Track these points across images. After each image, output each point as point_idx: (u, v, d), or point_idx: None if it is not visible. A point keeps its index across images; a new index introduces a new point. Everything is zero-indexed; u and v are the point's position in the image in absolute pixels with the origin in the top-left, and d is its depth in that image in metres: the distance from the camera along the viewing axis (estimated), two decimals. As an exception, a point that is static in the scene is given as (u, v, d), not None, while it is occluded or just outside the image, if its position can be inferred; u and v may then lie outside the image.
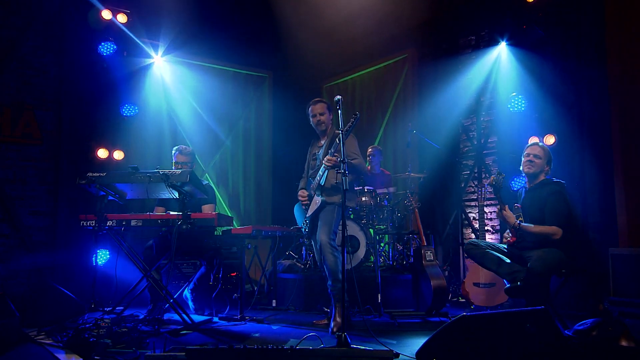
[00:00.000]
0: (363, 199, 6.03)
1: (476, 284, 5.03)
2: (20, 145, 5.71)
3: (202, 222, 4.37)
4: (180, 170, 4.29)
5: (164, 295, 4.29)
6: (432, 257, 4.83)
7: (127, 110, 6.12)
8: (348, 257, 5.63)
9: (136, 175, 4.28)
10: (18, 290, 5.26)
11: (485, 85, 6.71)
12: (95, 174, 4.34)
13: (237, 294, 4.66)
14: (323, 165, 4.20)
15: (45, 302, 4.48)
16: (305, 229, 4.46)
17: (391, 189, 6.73)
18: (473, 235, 6.72)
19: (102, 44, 5.83)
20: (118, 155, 6.07)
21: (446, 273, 5.84)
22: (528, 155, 4.08)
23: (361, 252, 5.62)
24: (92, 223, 4.41)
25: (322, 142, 4.46)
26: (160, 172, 4.22)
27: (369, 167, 6.79)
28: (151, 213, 4.55)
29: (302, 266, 5.78)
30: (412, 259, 5.29)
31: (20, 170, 5.71)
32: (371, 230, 6.46)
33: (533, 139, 5.63)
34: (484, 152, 6.81)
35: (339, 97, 3.92)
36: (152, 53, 6.67)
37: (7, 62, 5.69)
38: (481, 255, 4.08)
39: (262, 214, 8.01)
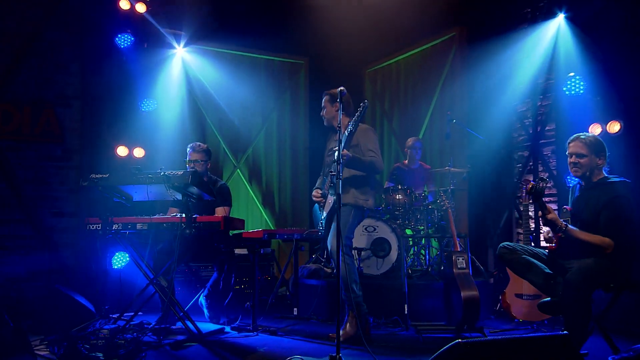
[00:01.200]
0: (397, 197, 5.85)
1: (519, 295, 4.71)
2: (41, 144, 5.91)
3: (207, 226, 4.34)
4: (182, 171, 4.25)
5: (167, 303, 4.28)
6: (464, 265, 4.55)
7: (145, 105, 6.20)
8: (377, 262, 5.47)
9: (138, 176, 4.30)
10: (36, 294, 5.46)
11: (541, 65, 6.30)
12: (98, 176, 4.40)
13: (251, 302, 4.58)
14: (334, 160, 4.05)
15: (55, 308, 4.61)
16: (321, 231, 4.33)
17: (431, 187, 6.48)
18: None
19: (120, 35, 5.89)
20: (138, 152, 6.16)
21: (491, 280, 5.51)
22: (570, 155, 3.73)
23: (393, 257, 5.48)
24: (98, 226, 4.47)
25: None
26: (161, 174, 4.20)
27: (406, 162, 6.55)
28: (163, 215, 4.55)
29: (330, 271, 5.66)
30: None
31: (41, 170, 5.91)
32: (408, 231, 6.26)
33: (593, 127, 5.18)
34: (541, 141, 6.39)
35: (341, 88, 3.81)
36: (174, 43, 6.71)
37: (27, 58, 5.87)
38: (516, 261, 3.81)
39: (298, 213, 7.94)
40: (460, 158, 6.71)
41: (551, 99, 6.30)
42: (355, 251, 5.47)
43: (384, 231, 5.55)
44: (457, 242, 4.84)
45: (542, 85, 6.37)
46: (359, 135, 4.22)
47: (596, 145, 3.70)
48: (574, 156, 3.72)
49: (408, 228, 6.00)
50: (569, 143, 3.78)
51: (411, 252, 5.92)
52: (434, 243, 5.94)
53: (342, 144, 4.02)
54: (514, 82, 6.47)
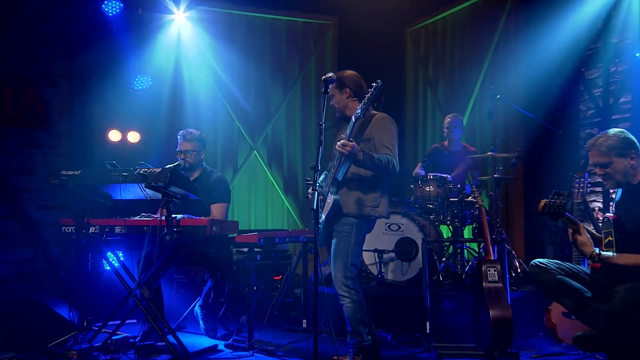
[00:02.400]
0: (428, 188, 5.66)
1: (566, 315, 4.46)
2: (24, 129, 5.99)
3: (191, 231, 4.30)
4: (160, 168, 4.20)
5: (146, 315, 4.29)
6: (495, 277, 4.32)
7: (139, 83, 6.16)
8: (402, 266, 5.30)
9: (111, 174, 4.28)
10: (18, 298, 5.61)
11: (616, 22, 5.84)
12: (69, 173, 4.41)
13: (247, 315, 4.53)
14: (338, 153, 3.88)
15: (30, 320, 4.72)
16: (319, 237, 4.16)
17: (476, 174, 6.21)
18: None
19: (106, 2, 5.84)
20: (133, 137, 6.20)
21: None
22: (594, 166, 3.46)
23: (418, 262, 5.31)
24: (72, 229, 4.50)
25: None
26: (135, 172, 4.16)
27: (446, 143, 6.30)
28: (146, 216, 4.54)
29: None
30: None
31: (26, 158, 6.02)
32: (444, 228, 6.05)
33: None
34: (614, 117, 5.99)
35: (330, 74, 3.67)
36: (173, 7, 6.62)
37: (5, 29, 5.90)
38: (549, 282, 3.59)
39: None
40: (510, 140, 6.37)
41: (627, 64, 5.85)
42: (375, 254, 5.32)
43: (411, 230, 5.38)
44: (490, 247, 4.57)
45: (616, 46, 5.91)
46: (374, 127, 3.99)
47: (616, 146, 3.43)
48: (597, 168, 3.47)
49: (444, 224, 5.77)
50: (588, 152, 3.51)
51: (447, 252, 5.69)
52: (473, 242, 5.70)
53: (352, 129, 3.86)
54: (582, 42, 6.05)
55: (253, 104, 7.58)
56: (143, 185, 4.20)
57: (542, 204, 3.32)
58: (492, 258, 4.55)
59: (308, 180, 3.63)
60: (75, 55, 6.15)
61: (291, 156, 7.83)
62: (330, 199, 3.95)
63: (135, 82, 6.20)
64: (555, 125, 5.98)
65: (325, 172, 4.18)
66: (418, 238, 5.36)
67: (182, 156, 5.02)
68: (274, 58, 7.61)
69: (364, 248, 5.34)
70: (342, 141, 3.77)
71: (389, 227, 5.47)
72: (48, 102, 6.10)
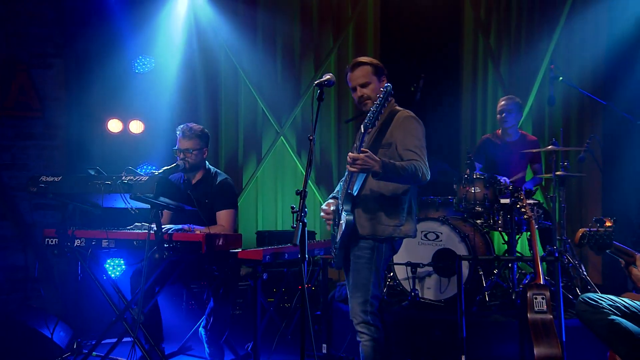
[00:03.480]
0: (473, 190, 5.52)
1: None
2: (16, 118, 6.11)
3: (186, 247, 4.30)
4: (147, 177, 4.18)
5: (134, 342, 4.33)
6: (543, 307, 4.12)
7: (140, 65, 6.18)
8: (440, 282, 5.16)
9: (93, 182, 4.31)
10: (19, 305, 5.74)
11: None
12: (48, 179, 4.46)
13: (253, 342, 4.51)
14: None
15: (15, 343, 4.84)
16: (332, 260, 4.09)
17: (538, 169, 5.98)
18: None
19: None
20: (136, 127, 6.26)
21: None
22: None
23: (463, 276, 5.10)
24: (56, 241, 4.57)
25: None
26: (118, 181, 4.16)
27: (500, 132, 6.07)
28: (141, 226, 4.58)
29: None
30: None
31: (19, 151, 6.14)
32: (496, 235, 5.87)
33: None
34: None
35: (328, 76, 3.63)
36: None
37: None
38: (600, 324, 3.44)
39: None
40: (578, 130, 6.09)
41: None
42: (409, 267, 5.23)
43: (451, 240, 5.26)
44: (540, 270, 4.36)
45: None
46: (395, 129, 3.84)
47: None
48: None
49: (494, 230, 5.60)
50: None
51: (497, 265, 5.53)
52: (527, 251, 5.52)
53: (362, 141, 3.69)
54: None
55: (279, 81, 7.53)
56: (127, 197, 4.16)
57: (579, 233, 3.15)
58: (541, 282, 4.33)
59: (293, 209, 3.51)
60: (69, 32, 6.21)
61: (324, 142, 7.73)
62: (343, 219, 3.81)
63: (136, 64, 6.17)
64: (634, 113, 5.66)
65: (340, 182, 4.05)
66: (459, 250, 5.23)
67: (181, 155, 4.99)
68: (304, 26, 7.53)
69: (395, 261, 5.38)
70: (352, 155, 3.59)
71: (425, 235, 5.38)
72: (41, 88, 6.19)
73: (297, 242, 3.19)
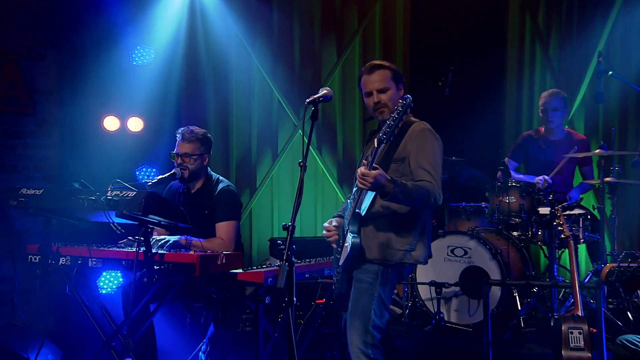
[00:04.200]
0: (508, 199, 5.46)
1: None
2: (4, 115, 6.16)
3: (178, 269, 4.33)
4: (134, 192, 4.20)
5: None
6: (580, 343, 4.04)
7: (138, 57, 6.21)
8: (469, 304, 5.12)
9: (77, 197, 4.34)
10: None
11: None
12: (29, 192, 4.53)
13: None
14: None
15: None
16: (337, 285, 4.06)
17: (588, 173, 5.86)
18: None
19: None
20: (134, 124, 6.28)
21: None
22: None
23: (494, 297, 5.21)
24: (39, 258, 4.63)
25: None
26: (103, 197, 4.18)
27: (542, 129, 6.05)
28: (132, 242, 4.61)
29: (400, 312, 5.44)
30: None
31: (7, 151, 6.21)
32: (536, 249, 5.77)
33: None
34: None
35: (324, 91, 3.66)
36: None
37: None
38: None
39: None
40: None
41: None
42: (432, 287, 5.22)
43: (480, 257, 5.26)
44: (578, 298, 4.25)
45: None
46: (410, 142, 3.82)
47: None
48: None
49: (533, 244, 5.53)
50: None
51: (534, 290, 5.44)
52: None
53: (375, 155, 3.64)
54: None
55: (297, 68, 7.50)
56: (113, 215, 4.18)
57: (606, 269, 3.08)
58: (580, 313, 4.23)
59: (280, 245, 3.48)
60: (62, 20, 6.23)
61: (348, 136, 7.70)
62: (349, 241, 3.78)
63: (133, 56, 6.20)
64: None
65: (348, 200, 4.01)
66: (490, 269, 5.20)
67: (179, 160, 4.99)
68: (325, 7, 7.49)
69: (418, 278, 5.34)
70: (361, 170, 3.54)
71: (452, 251, 5.38)
72: (32, 82, 6.23)
73: (282, 286, 3.14)
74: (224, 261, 4.48)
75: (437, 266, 5.29)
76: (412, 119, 3.94)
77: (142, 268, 4.27)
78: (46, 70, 6.27)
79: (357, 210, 3.78)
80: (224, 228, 4.96)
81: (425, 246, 3.88)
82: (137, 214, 4.18)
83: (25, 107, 6.20)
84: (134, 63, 6.28)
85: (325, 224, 4.06)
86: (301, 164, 3.43)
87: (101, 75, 6.22)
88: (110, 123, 6.22)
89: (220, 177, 5.19)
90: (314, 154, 7.61)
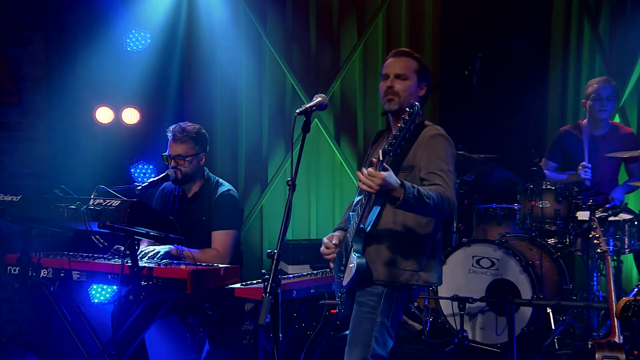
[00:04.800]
0: (542, 204, 5.39)
1: None
2: (-15, 104, 6.21)
3: (168, 285, 4.31)
4: (117, 202, 4.20)
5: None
6: (614, 376, 3.96)
7: (133, 42, 6.23)
8: (497, 322, 5.05)
9: (56, 205, 4.35)
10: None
11: None
12: (6, 198, 4.57)
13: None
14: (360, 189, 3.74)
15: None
16: (341, 308, 4.03)
17: (635, 170, 5.86)
18: None
19: None
20: (130, 116, 6.29)
21: None
22: None
23: (524, 315, 5.18)
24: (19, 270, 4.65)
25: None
26: (84, 207, 4.18)
27: (583, 122, 5.99)
28: (116, 251, 4.64)
29: (420, 329, 5.46)
30: None
31: (-11, 144, 6.26)
32: (576, 260, 5.69)
33: None
34: None
35: (318, 98, 3.61)
36: None
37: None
38: None
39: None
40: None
41: None
42: (455, 303, 5.21)
43: (509, 269, 5.23)
44: (615, 324, 4.18)
45: None
46: (419, 148, 3.79)
47: None
48: None
49: (571, 251, 5.54)
50: None
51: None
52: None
53: (382, 164, 3.52)
54: None
55: (313, 50, 7.48)
56: (95, 226, 4.18)
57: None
58: (617, 340, 4.15)
59: (264, 274, 3.44)
60: (51, 1, 6.25)
61: (370, 125, 7.67)
62: (354, 261, 3.73)
63: (128, 41, 6.23)
64: None
65: (351, 213, 3.95)
66: (520, 282, 5.17)
67: (172, 163, 4.98)
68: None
69: (440, 292, 5.30)
70: (368, 170, 3.46)
71: (477, 262, 5.36)
72: (16, 67, 6.26)
73: (264, 323, 3.11)
74: (218, 276, 4.45)
75: (461, 278, 5.28)
76: (426, 122, 3.90)
77: (129, 284, 4.26)
78: (33, 56, 6.29)
79: (361, 226, 3.74)
80: (220, 238, 4.96)
81: (436, 265, 3.86)
82: (121, 225, 4.17)
83: (9, 95, 6.23)
84: (129, 49, 6.29)
85: (325, 240, 4.01)
86: (289, 183, 3.34)
87: (93, 61, 6.22)
88: (103, 115, 6.23)
89: (220, 180, 5.18)
90: (332, 145, 7.60)
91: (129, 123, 6.31)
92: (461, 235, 5.95)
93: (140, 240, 4.49)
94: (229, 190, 5.08)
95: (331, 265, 4.02)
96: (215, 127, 7.01)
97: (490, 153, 5.82)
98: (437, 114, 7.48)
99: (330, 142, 7.62)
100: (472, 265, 5.32)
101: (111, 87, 6.26)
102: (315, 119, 7.51)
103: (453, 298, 5.18)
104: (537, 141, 6.72)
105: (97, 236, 4.29)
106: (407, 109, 3.41)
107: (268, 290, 3.18)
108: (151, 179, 4.96)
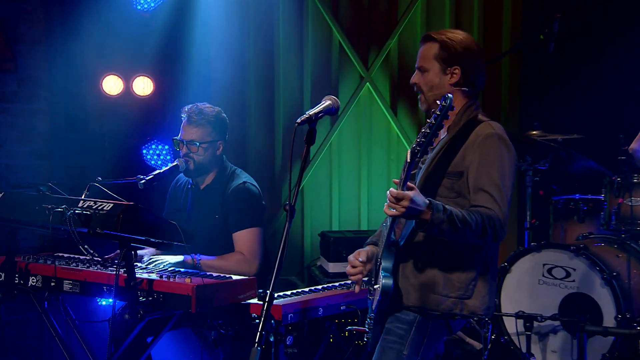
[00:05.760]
0: (627, 201, 5.35)
1: None
2: (-20, 73, 6.27)
3: (170, 301, 4.28)
4: (110, 205, 4.20)
5: None
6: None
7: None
8: (572, 345, 5.07)
9: (41, 206, 4.37)
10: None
11: None
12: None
13: None
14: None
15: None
16: (368, 337, 3.98)
17: None
18: None
19: None
20: (142, 86, 6.28)
21: None
22: None
23: (603, 341, 5.05)
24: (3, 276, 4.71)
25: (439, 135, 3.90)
26: (69, 212, 4.17)
27: None
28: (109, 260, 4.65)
29: (478, 347, 5.36)
30: None
31: (-17, 118, 6.33)
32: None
33: None
34: None
35: (327, 102, 3.57)
36: None
37: None
38: None
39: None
40: None
41: None
42: (521, 321, 5.13)
43: (588, 281, 5.15)
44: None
45: None
46: (470, 150, 3.70)
47: None
48: None
49: None
50: None
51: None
52: None
53: (408, 173, 3.45)
54: None
55: (366, 1, 7.42)
56: (82, 233, 4.18)
57: None
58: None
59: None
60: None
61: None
62: (379, 282, 3.67)
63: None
64: None
65: (383, 223, 3.90)
66: (602, 298, 5.07)
67: (185, 150, 4.98)
68: None
69: (502, 308, 5.21)
70: (392, 192, 3.39)
71: (549, 271, 5.28)
72: (11, 28, 6.28)
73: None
74: (229, 290, 4.42)
75: (529, 291, 5.22)
76: (480, 116, 3.77)
77: (124, 299, 4.27)
78: (30, 14, 6.34)
79: (392, 239, 3.70)
80: (243, 239, 4.96)
81: (487, 291, 3.76)
82: (113, 232, 4.14)
83: (3, 61, 6.25)
84: (139, 7, 6.29)
85: (351, 257, 3.91)
86: (287, 207, 3.26)
87: (100, 21, 6.25)
88: (112, 84, 6.23)
89: (238, 170, 5.18)
90: (387, 114, 7.60)
91: (141, 95, 6.31)
92: (535, 233, 5.85)
93: (139, 248, 4.45)
94: (244, 182, 5.06)
95: (356, 289, 3.91)
96: (247, 95, 7.07)
97: (571, 134, 5.72)
98: (516, 88, 7.43)
99: (384, 111, 7.58)
100: (543, 275, 5.25)
101: (120, 52, 6.27)
102: (367, 84, 7.52)
103: (518, 315, 5.10)
104: (627, 124, 6.49)
105: (87, 246, 4.30)
106: (438, 102, 3.35)
107: (257, 339, 3.12)
108: (157, 171, 4.92)
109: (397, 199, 3.33)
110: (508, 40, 7.49)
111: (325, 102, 3.53)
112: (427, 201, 3.38)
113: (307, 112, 3.51)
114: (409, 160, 3.43)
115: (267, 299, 3.23)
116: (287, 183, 7.23)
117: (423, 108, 3.92)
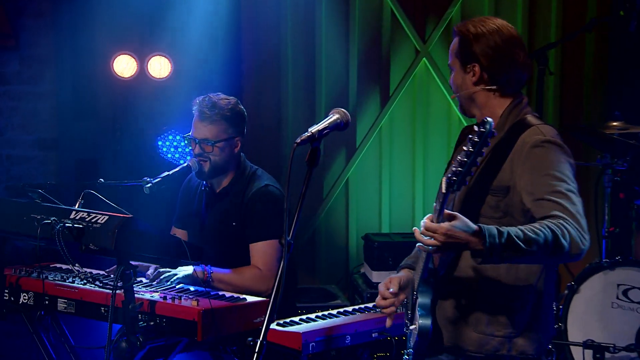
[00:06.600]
0: None
1: None
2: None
3: (175, 327, 4.28)
4: (105, 217, 4.18)
5: None
6: None
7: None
8: None
9: (30, 217, 4.38)
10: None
11: None
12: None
13: None
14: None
15: None
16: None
17: None
18: None
19: None
20: (158, 68, 6.28)
21: None
22: None
23: None
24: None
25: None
26: (59, 226, 4.17)
27: None
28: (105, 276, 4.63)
29: None
30: None
31: (-13, 103, 6.42)
32: None
33: None
34: None
35: (335, 116, 3.57)
36: None
37: None
38: None
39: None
40: None
41: None
42: (589, 351, 5.05)
43: None
44: None
45: None
46: (518, 162, 3.62)
47: None
48: None
49: None
50: None
51: None
52: None
53: (444, 203, 3.38)
54: None
55: None
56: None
57: None
58: None
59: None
60: None
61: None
62: (416, 322, 3.64)
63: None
64: None
65: (416, 248, 3.88)
66: None
67: (198, 150, 4.96)
68: None
69: (569, 336, 5.17)
70: (428, 224, 3.32)
71: (624, 293, 5.21)
72: (13, 2, 6.37)
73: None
74: (245, 314, 4.43)
75: (600, 315, 5.16)
76: (529, 118, 3.69)
77: (121, 323, 4.26)
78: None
79: (430, 267, 3.64)
80: (260, 252, 4.95)
81: (541, 329, 3.72)
82: (107, 248, 4.14)
83: (4, 37, 6.29)
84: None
85: (381, 287, 3.88)
86: (283, 242, 3.31)
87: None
88: (124, 65, 6.25)
89: (259, 170, 5.15)
90: (447, 95, 7.58)
91: (157, 77, 6.33)
92: (614, 242, 5.74)
93: (136, 267, 4.45)
94: (267, 185, 5.04)
95: (388, 323, 3.90)
96: (284, 73, 7.10)
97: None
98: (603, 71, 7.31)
99: (444, 90, 7.58)
100: (617, 298, 5.19)
101: (134, 29, 6.34)
102: (424, 60, 7.53)
103: (586, 345, 5.03)
104: None
105: (77, 264, 4.30)
106: (476, 128, 3.23)
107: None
108: (166, 173, 4.89)
109: (434, 232, 3.26)
110: (594, 12, 7.35)
111: (333, 117, 3.52)
112: (476, 227, 3.28)
113: (309, 129, 3.46)
114: (444, 191, 3.36)
115: (257, 350, 3.22)
116: (328, 175, 7.24)
117: (460, 112, 3.99)
